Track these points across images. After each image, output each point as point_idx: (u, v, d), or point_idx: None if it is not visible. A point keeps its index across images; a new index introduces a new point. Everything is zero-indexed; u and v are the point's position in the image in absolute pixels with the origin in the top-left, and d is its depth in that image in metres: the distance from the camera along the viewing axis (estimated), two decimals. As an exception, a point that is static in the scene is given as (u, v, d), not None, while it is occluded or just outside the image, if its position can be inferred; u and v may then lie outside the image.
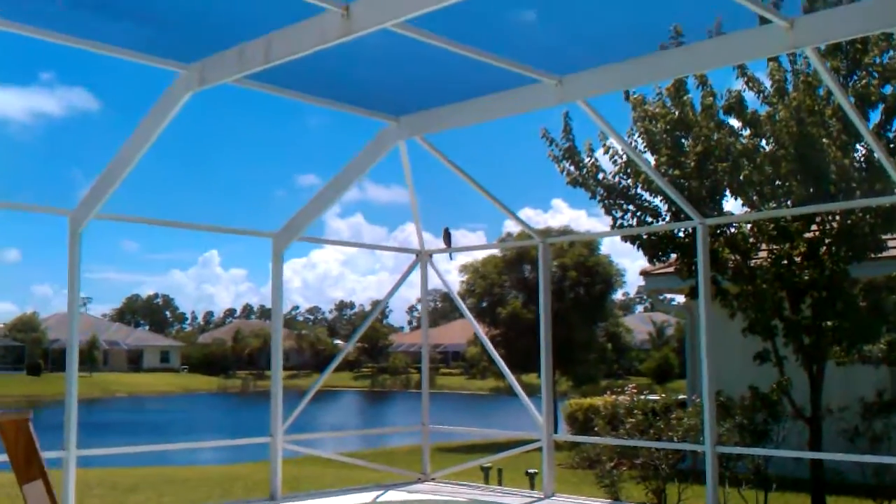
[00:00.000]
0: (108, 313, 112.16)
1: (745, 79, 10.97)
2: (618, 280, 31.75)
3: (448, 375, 77.10)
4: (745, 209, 11.33)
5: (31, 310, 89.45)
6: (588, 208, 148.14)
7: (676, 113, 11.34)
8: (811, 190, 10.60)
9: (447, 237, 10.15)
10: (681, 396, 17.42)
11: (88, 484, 14.77)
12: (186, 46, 6.20)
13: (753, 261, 11.72)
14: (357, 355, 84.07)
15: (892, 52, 10.27)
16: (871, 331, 11.62)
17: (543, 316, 9.01)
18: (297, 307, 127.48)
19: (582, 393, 30.72)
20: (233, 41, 5.98)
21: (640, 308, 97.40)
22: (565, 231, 31.16)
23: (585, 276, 30.19)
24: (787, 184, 10.76)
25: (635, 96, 11.74)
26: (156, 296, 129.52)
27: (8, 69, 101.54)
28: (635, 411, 13.45)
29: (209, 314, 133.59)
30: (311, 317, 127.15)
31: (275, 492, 8.36)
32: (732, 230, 11.54)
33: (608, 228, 12.40)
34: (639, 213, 11.87)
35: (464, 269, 32.42)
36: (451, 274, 40.29)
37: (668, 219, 11.61)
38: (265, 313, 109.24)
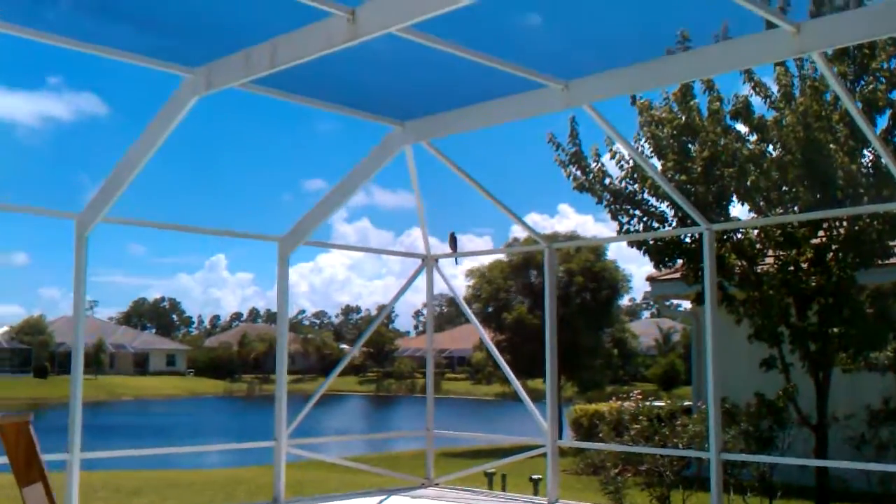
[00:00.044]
0: (114, 317, 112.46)
1: (752, 84, 10.96)
2: (624, 286, 31.70)
3: (454, 380, 77.03)
4: (752, 215, 11.30)
5: (39, 313, 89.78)
6: (595, 213, 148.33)
7: (683, 118, 11.33)
8: (818, 196, 10.56)
9: (453, 242, 10.14)
10: (686, 403, 17.39)
11: (92, 486, 14.79)
12: (193, 51, 6.22)
13: (760, 267, 11.68)
14: (363, 360, 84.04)
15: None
16: (877, 338, 11.59)
17: (549, 321, 8.99)
18: (303, 311, 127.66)
19: (587, 399, 30.66)
20: (239, 45, 5.99)
21: (646, 314, 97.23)
22: (572, 236, 31.16)
23: (592, 282, 30.14)
24: (793, 189, 10.73)
25: (642, 101, 11.72)
26: (162, 299, 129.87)
27: (17, 73, 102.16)
28: (640, 417, 13.42)
29: (216, 318, 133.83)
30: (318, 321, 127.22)
31: (278, 496, 8.35)
32: (739, 236, 11.51)
33: (614, 234, 12.38)
34: (645, 219, 11.85)
35: (470, 273, 32.42)
36: (457, 279, 40.27)
37: (674, 224, 11.59)
38: (271, 317, 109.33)
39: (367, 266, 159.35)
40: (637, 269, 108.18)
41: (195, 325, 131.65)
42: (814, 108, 10.32)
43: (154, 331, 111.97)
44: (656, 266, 12.38)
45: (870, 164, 10.52)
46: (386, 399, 71.80)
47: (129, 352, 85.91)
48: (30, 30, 5.83)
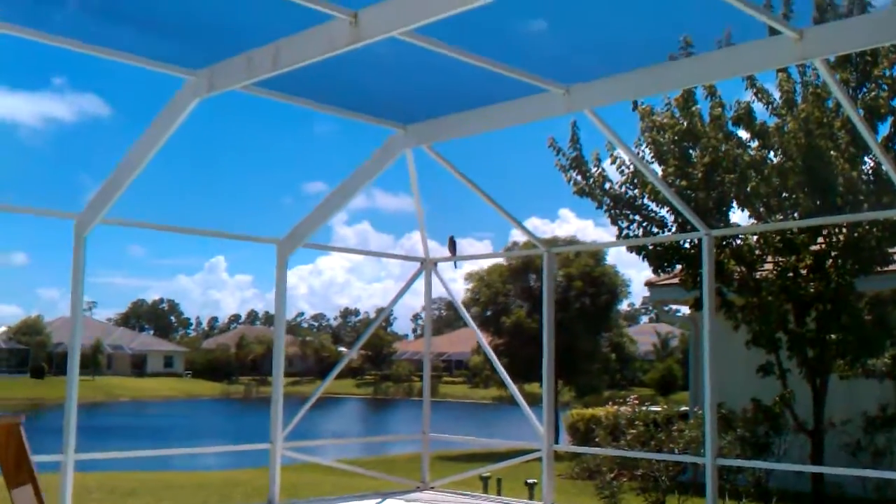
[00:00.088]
0: (113, 318, 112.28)
1: (754, 90, 10.98)
2: (623, 291, 31.74)
3: (451, 384, 77.01)
4: (752, 221, 11.31)
5: (37, 313, 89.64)
6: (595, 218, 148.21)
7: (685, 123, 11.33)
8: (818, 202, 10.58)
9: (452, 246, 10.13)
10: (683, 408, 17.37)
11: (87, 488, 14.74)
12: (195, 53, 6.21)
13: (759, 273, 11.69)
14: (360, 363, 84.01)
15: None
16: (875, 345, 11.60)
17: (546, 325, 8.97)
18: (301, 314, 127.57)
19: (585, 403, 30.64)
20: (241, 48, 5.98)
21: (645, 319, 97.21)
22: (572, 241, 31.14)
23: (591, 287, 30.15)
24: (794, 196, 10.75)
25: (643, 107, 11.74)
26: (161, 301, 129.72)
27: (20, 74, 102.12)
28: (636, 422, 13.41)
29: (214, 319, 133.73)
30: (316, 323, 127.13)
31: (273, 498, 8.32)
32: (738, 242, 11.52)
33: (614, 238, 12.38)
34: (645, 224, 11.86)
35: (469, 277, 32.43)
36: (456, 282, 40.25)
37: (673, 229, 11.59)
38: (270, 319, 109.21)
39: (367, 269, 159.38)
40: (636, 274, 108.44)
41: (193, 327, 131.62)
42: (815, 114, 10.34)
43: (152, 332, 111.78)
44: (655, 271, 12.39)
45: (870, 172, 10.54)
46: (383, 402, 71.76)
47: (126, 353, 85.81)
48: (36, 31, 5.83)
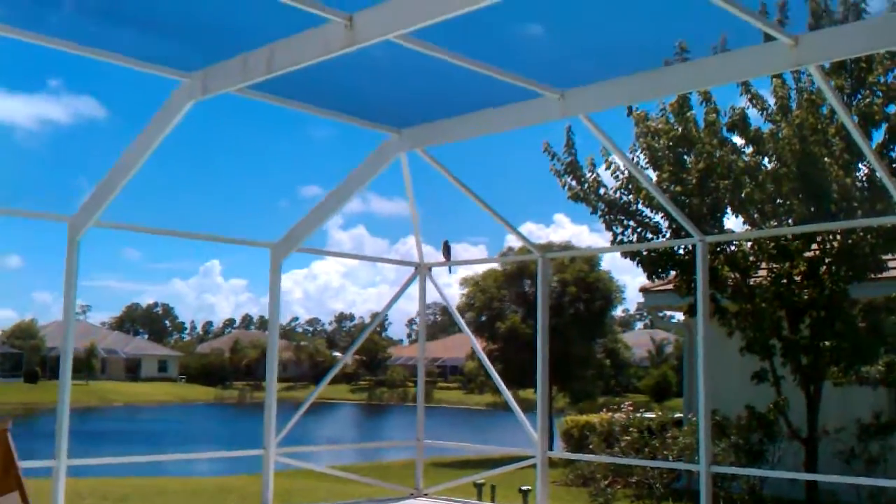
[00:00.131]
0: (107, 321, 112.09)
1: (749, 96, 10.99)
2: (617, 296, 31.69)
3: (446, 389, 76.91)
4: (746, 227, 11.32)
5: (31, 317, 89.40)
6: (590, 224, 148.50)
7: (679, 129, 11.34)
8: (812, 209, 10.58)
9: (446, 250, 10.12)
10: (678, 415, 17.37)
11: (79, 493, 14.67)
12: (190, 55, 6.20)
13: (753, 279, 11.70)
14: (355, 368, 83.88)
15: (896, 72, 10.29)
16: (869, 352, 11.59)
17: (541, 331, 8.96)
18: (296, 318, 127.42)
19: (579, 409, 30.61)
20: (236, 51, 5.97)
21: (640, 325, 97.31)
22: (566, 246, 31.18)
23: (585, 292, 30.11)
24: (788, 202, 10.76)
25: (638, 112, 11.74)
26: (155, 305, 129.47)
27: (16, 76, 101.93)
28: (631, 429, 13.40)
29: (208, 324, 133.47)
30: (311, 328, 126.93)
31: (267, 504, 8.29)
32: (732, 248, 11.53)
33: (609, 244, 12.38)
34: (639, 230, 11.86)
35: (464, 282, 32.38)
36: (451, 287, 40.30)
37: (668, 235, 11.59)
38: (264, 324, 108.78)
39: (362, 273, 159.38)
40: (631, 279, 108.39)
41: (188, 332, 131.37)
42: (810, 121, 10.35)
43: (146, 336, 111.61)
44: (649, 277, 12.39)
45: (864, 178, 10.55)
46: (378, 408, 71.65)
47: (120, 357, 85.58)
48: (32, 33, 5.81)
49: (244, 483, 17.76)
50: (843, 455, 12.65)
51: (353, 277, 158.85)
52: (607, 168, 11.86)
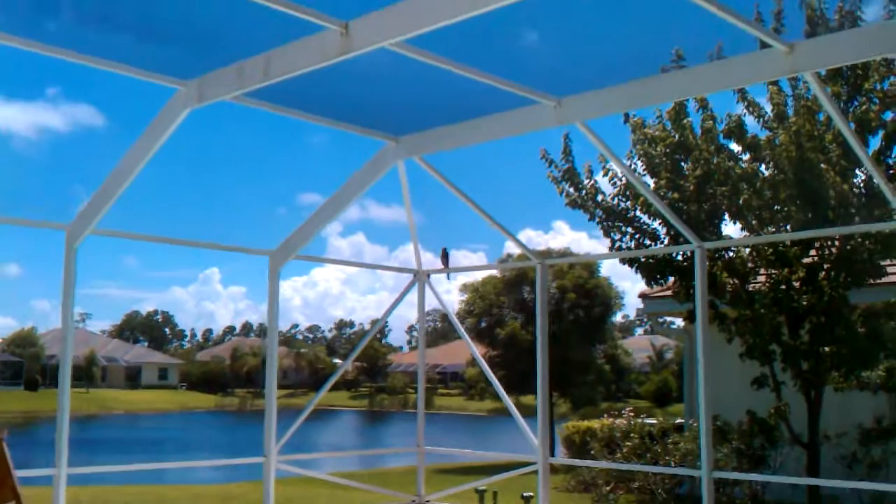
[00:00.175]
0: (107, 329, 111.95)
1: (746, 103, 11.00)
2: (617, 303, 31.72)
3: (447, 396, 76.89)
4: (744, 233, 11.32)
5: (30, 325, 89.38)
6: (589, 230, 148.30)
7: (676, 136, 11.36)
8: (810, 215, 10.59)
9: (445, 257, 10.13)
10: (679, 420, 17.35)
11: (80, 502, 14.68)
12: (186, 63, 6.21)
13: (752, 285, 11.70)
14: (356, 375, 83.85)
15: (892, 78, 10.31)
16: (869, 357, 11.60)
17: (540, 337, 8.96)
18: (296, 325, 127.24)
19: (581, 415, 30.60)
20: (232, 58, 5.99)
21: (640, 331, 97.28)
22: (565, 253, 31.17)
23: (585, 299, 30.14)
24: (785, 208, 10.76)
25: (635, 119, 11.76)
26: (155, 312, 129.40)
27: (15, 84, 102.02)
28: (632, 435, 13.40)
29: (208, 331, 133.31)
30: (311, 335, 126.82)
31: (267, 512, 8.28)
32: (731, 254, 11.53)
33: (607, 251, 12.39)
34: (637, 236, 11.87)
35: (464, 288, 32.42)
36: (451, 294, 40.36)
37: (666, 242, 11.60)
38: (264, 331, 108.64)
39: (362, 280, 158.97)
40: (631, 285, 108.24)
41: (188, 339, 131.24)
42: (807, 127, 10.36)
43: (146, 344, 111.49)
44: (648, 283, 12.39)
45: (862, 185, 10.56)
46: (379, 414, 71.62)
47: (121, 365, 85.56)
48: (30, 41, 5.82)
49: (245, 491, 17.75)
50: (844, 460, 12.65)
51: (352, 284, 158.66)
52: (605, 175, 11.87)
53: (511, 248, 32.41)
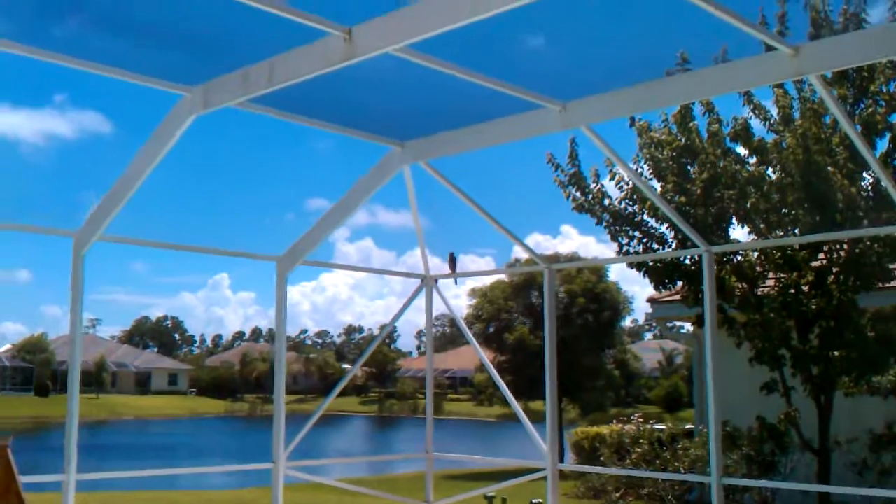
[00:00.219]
0: (116, 335, 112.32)
1: (752, 106, 10.98)
2: (626, 307, 31.63)
3: (456, 401, 76.77)
4: (752, 237, 11.28)
5: (41, 331, 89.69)
6: (597, 234, 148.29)
7: (683, 140, 11.33)
8: (818, 218, 10.55)
9: (452, 262, 10.13)
10: (689, 426, 17.29)
11: (90, 507, 14.70)
12: (192, 69, 6.24)
13: (760, 289, 11.65)
14: (365, 380, 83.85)
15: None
16: (879, 361, 11.53)
17: (548, 343, 8.95)
18: (305, 331, 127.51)
19: (590, 421, 30.51)
20: (237, 64, 6.01)
21: (649, 335, 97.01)
22: (573, 257, 31.16)
23: (593, 303, 30.08)
24: (793, 212, 10.72)
25: (640, 123, 11.74)
26: (165, 318, 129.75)
27: (22, 91, 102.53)
28: (641, 441, 13.35)
29: (218, 337, 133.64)
30: (320, 340, 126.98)
31: (275, 518, 8.28)
32: (739, 258, 11.48)
33: (615, 255, 12.36)
34: (645, 240, 11.83)
35: (472, 293, 32.39)
36: (460, 298, 40.26)
37: (673, 246, 11.56)
38: (273, 336, 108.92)
39: (370, 286, 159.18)
40: (640, 290, 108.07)
41: (197, 345, 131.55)
42: (813, 130, 10.33)
43: (156, 350, 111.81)
44: (656, 288, 12.34)
45: (869, 188, 10.51)
46: (388, 420, 71.56)
47: (130, 371, 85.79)
48: (37, 49, 5.86)
49: (255, 496, 17.76)
50: (855, 466, 12.56)
51: (360, 290, 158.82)
52: (611, 179, 11.85)
53: (519, 252, 32.33)
